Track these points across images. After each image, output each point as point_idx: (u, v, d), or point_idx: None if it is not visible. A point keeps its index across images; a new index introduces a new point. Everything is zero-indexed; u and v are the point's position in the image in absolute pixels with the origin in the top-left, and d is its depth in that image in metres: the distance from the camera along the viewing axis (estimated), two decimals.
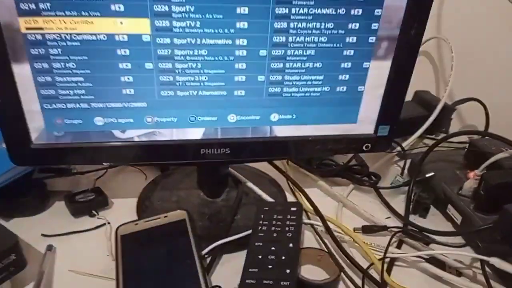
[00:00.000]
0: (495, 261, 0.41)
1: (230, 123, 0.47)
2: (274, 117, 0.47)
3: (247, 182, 0.57)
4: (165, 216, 0.48)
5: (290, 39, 0.42)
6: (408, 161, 0.62)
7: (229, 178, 0.57)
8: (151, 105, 0.43)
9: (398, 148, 0.64)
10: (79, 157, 0.45)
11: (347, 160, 0.62)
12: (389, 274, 0.45)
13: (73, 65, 0.40)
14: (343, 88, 0.47)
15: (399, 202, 0.57)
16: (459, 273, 0.45)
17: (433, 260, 0.46)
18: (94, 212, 0.51)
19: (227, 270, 0.45)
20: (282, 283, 0.39)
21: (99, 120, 0.43)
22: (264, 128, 0.48)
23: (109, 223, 0.50)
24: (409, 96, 0.72)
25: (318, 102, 0.47)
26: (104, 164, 0.46)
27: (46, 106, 0.42)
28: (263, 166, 0.63)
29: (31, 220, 0.51)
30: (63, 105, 0.42)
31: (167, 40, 0.40)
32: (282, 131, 0.48)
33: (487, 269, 0.44)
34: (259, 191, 0.56)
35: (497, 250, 0.43)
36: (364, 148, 0.52)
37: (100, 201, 0.52)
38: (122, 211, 0.52)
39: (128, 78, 0.42)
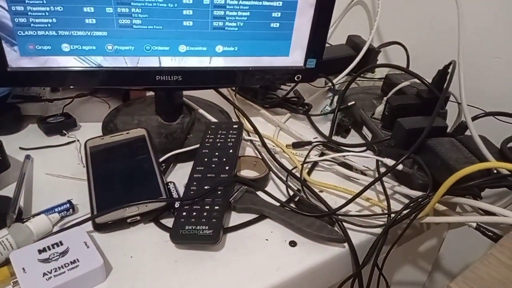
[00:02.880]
0: (387, 161, 0.54)
1: (181, 53, 0.55)
2: (219, 48, 0.56)
3: (199, 109, 0.66)
4: (127, 133, 0.57)
5: None
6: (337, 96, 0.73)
7: (183, 107, 0.67)
8: (111, 34, 0.51)
9: (330, 84, 0.74)
10: (49, 80, 0.53)
11: (286, 93, 0.72)
12: (309, 175, 0.57)
13: None
14: (276, 25, 0.56)
15: (326, 127, 0.68)
16: (363, 174, 0.58)
17: (344, 165, 0.58)
18: (64, 131, 0.59)
19: (180, 174, 0.55)
20: (221, 175, 0.50)
21: (65, 47, 0.51)
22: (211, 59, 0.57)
23: (78, 140, 0.59)
24: (343, 40, 0.83)
25: (256, 36, 0.57)
26: (71, 87, 0.53)
27: (20, 33, 0.48)
28: (215, 99, 0.72)
29: (9, 137, 0.58)
30: (34, 32, 0.49)
31: None
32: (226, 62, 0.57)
33: (382, 168, 0.56)
34: (209, 116, 0.65)
35: (390, 153, 0.56)
36: (296, 78, 0.62)
37: (69, 123, 0.60)
38: (89, 132, 0.60)
39: (90, 9, 0.49)
